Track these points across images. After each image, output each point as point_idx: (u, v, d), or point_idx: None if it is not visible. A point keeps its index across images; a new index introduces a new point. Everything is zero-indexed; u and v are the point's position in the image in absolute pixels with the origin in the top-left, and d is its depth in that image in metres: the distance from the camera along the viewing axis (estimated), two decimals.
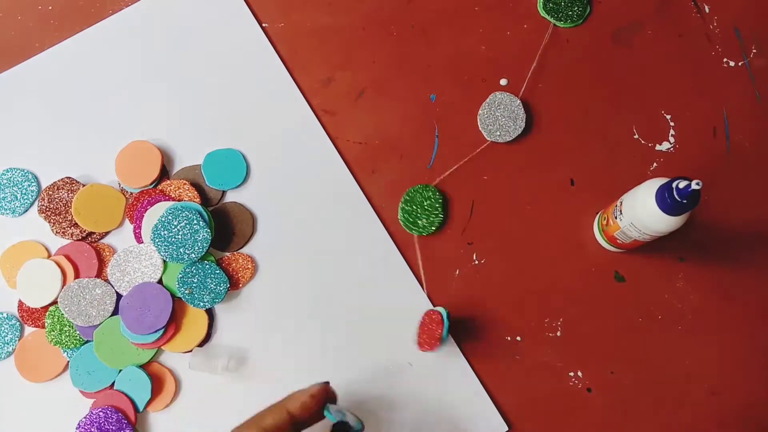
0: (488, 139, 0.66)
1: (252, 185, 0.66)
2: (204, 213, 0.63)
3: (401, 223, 0.65)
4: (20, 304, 0.63)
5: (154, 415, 0.62)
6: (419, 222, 0.64)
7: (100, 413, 0.60)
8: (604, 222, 0.62)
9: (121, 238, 0.65)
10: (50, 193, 0.65)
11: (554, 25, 0.69)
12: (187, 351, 0.62)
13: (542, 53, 0.69)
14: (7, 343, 0.63)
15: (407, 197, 0.65)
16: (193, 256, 0.62)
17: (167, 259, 0.62)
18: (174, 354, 0.63)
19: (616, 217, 0.59)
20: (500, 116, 0.66)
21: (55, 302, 0.63)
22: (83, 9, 0.70)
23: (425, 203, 0.64)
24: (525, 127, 0.67)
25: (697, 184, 0.51)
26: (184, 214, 0.62)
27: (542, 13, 0.69)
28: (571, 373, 0.63)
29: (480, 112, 0.67)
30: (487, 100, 0.67)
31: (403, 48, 0.69)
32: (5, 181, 0.66)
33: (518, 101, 0.67)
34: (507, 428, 0.62)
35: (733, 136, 0.67)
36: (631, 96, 0.68)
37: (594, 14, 0.70)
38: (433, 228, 0.64)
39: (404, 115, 0.68)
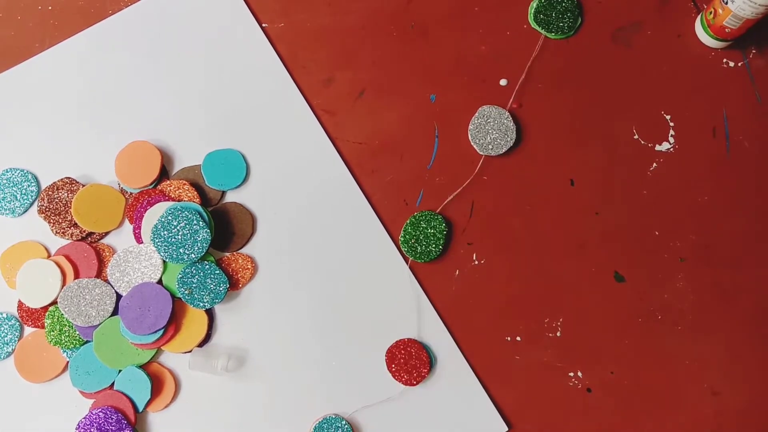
0: (481, 153, 0.66)
1: (252, 185, 0.66)
2: (204, 213, 0.63)
3: (401, 243, 0.64)
4: (20, 304, 0.63)
5: (154, 415, 0.62)
6: (418, 248, 0.64)
7: (100, 413, 0.60)
8: (711, 17, 0.64)
9: (120, 239, 0.65)
10: (50, 193, 0.65)
11: (545, 36, 0.69)
12: (187, 351, 0.62)
13: (538, 54, 0.69)
14: (7, 344, 0.63)
15: (413, 220, 0.64)
16: (193, 256, 0.62)
17: (167, 260, 0.62)
18: (174, 354, 0.63)
19: (726, 3, 0.62)
20: (491, 129, 0.66)
21: (54, 302, 0.63)
22: (83, 9, 0.70)
23: (428, 231, 0.64)
24: (524, 129, 0.67)
25: None
26: (183, 215, 0.62)
27: (533, 25, 0.69)
28: (571, 373, 0.63)
29: (470, 127, 0.66)
30: (476, 114, 0.67)
31: (403, 48, 0.70)
32: (5, 181, 0.66)
33: (507, 113, 0.66)
34: (507, 428, 0.62)
35: (733, 136, 0.68)
36: (631, 96, 0.68)
37: (593, 14, 0.70)
38: (429, 258, 0.64)
39: (404, 115, 0.68)
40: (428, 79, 0.69)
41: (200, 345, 0.63)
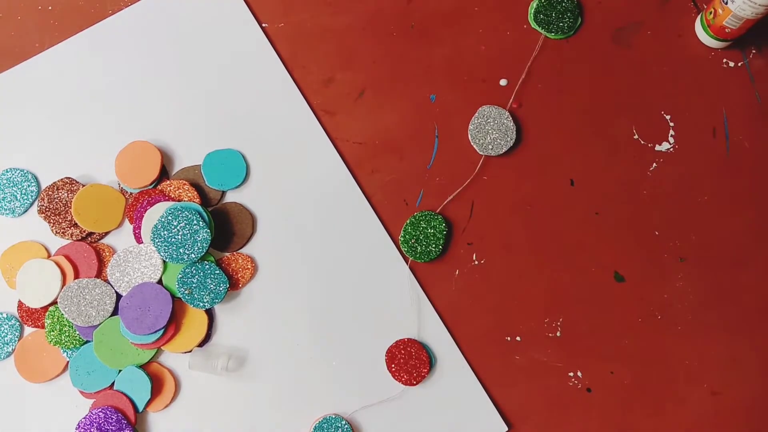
0: (481, 153, 0.66)
1: (252, 185, 0.66)
2: (204, 213, 0.63)
3: (401, 243, 0.64)
4: (20, 304, 0.63)
5: (154, 415, 0.62)
6: (418, 248, 0.64)
7: (100, 413, 0.60)
8: (711, 17, 0.64)
9: (120, 239, 0.65)
10: (50, 193, 0.65)
11: (545, 36, 0.69)
12: (187, 351, 0.62)
13: (538, 54, 0.69)
14: (7, 344, 0.63)
15: (413, 220, 0.64)
16: (193, 256, 0.62)
17: (167, 260, 0.62)
18: (174, 354, 0.63)
19: (726, 3, 0.62)
20: (491, 129, 0.66)
21: (54, 302, 0.63)
22: (83, 9, 0.70)
23: (428, 231, 0.64)
24: (524, 129, 0.67)
25: None
26: (183, 215, 0.62)
27: (533, 25, 0.69)
28: (571, 373, 0.63)
29: (470, 127, 0.66)
30: (476, 114, 0.67)
31: (403, 48, 0.70)
32: (5, 181, 0.66)
33: (507, 113, 0.66)
34: (507, 428, 0.62)
35: (732, 136, 0.68)
36: (631, 96, 0.68)
37: (593, 14, 0.70)
38: (430, 258, 0.64)
39: (404, 115, 0.68)
40: (428, 79, 0.69)
41: (200, 345, 0.63)
